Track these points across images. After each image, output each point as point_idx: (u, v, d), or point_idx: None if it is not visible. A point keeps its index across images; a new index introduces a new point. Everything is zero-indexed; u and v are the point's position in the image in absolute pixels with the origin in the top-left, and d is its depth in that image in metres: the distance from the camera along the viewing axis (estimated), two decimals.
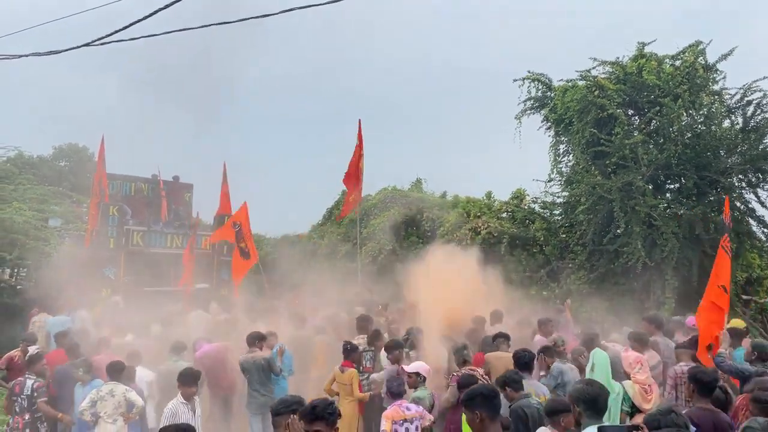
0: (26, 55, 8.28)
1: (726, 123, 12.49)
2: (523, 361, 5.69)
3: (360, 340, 7.79)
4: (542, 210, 15.16)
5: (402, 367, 6.37)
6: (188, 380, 5.67)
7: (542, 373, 6.52)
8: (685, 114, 12.43)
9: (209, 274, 15.38)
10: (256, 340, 7.35)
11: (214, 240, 14.58)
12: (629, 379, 6.32)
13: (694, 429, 4.05)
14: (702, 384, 4.48)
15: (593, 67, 13.76)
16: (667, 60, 13.22)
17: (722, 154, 12.22)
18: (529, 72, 14.88)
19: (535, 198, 15.35)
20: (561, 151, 14.68)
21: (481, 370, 6.34)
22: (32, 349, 8.74)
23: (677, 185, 13.15)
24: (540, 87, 14.93)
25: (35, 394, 6.69)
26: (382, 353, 7.37)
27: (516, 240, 13.80)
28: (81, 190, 21.40)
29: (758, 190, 12.24)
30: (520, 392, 4.98)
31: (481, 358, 6.94)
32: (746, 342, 7.17)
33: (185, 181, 17.46)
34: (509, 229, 13.85)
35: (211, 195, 17.00)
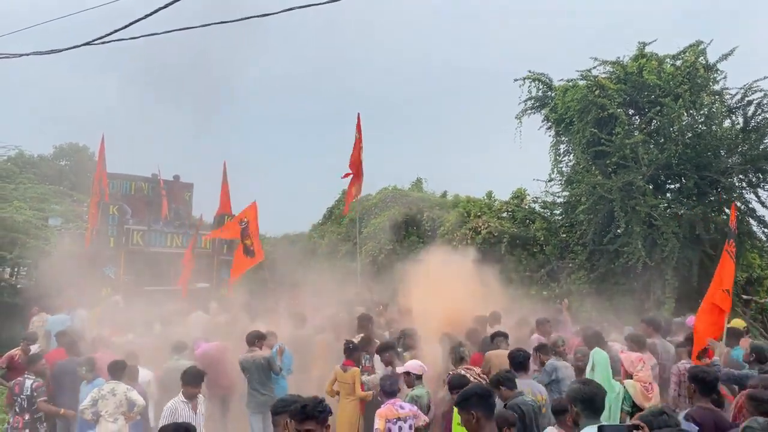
0: (27, 54, 8.28)
1: (726, 123, 12.50)
2: (518, 361, 5.68)
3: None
4: (542, 210, 15.16)
5: (395, 370, 6.35)
6: (192, 379, 5.63)
7: (535, 368, 6.53)
8: (685, 114, 12.43)
9: (209, 274, 15.38)
10: (256, 339, 7.35)
11: (219, 236, 14.56)
12: (629, 378, 6.33)
13: (696, 428, 4.06)
14: (703, 384, 4.49)
15: (594, 67, 13.79)
16: (668, 60, 13.23)
17: (723, 154, 12.22)
18: (529, 72, 14.91)
19: (536, 198, 15.38)
20: (561, 150, 14.71)
21: (477, 369, 6.34)
22: (33, 348, 8.75)
23: (678, 185, 13.15)
24: (540, 87, 14.94)
25: (35, 394, 6.69)
26: (376, 357, 7.37)
27: (516, 240, 13.80)
28: (81, 190, 21.42)
29: (759, 190, 12.24)
30: (514, 390, 4.98)
31: (479, 358, 6.94)
32: (745, 342, 7.18)
33: (185, 181, 17.48)
34: (509, 229, 13.85)
35: (212, 194, 17.02)
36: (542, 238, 13.84)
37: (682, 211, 11.92)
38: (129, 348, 7.51)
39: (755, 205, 12.24)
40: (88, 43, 7.33)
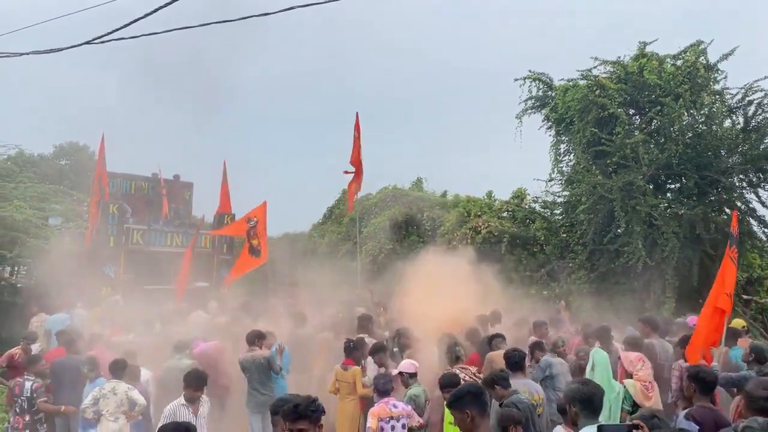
0: (27, 54, 8.28)
1: (727, 123, 12.50)
2: (513, 361, 5.66)
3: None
4: (543, 209, 15.16)
5: (389, 371, 6.33)
6: (194, 382, 5.61)
7: (528, 363, 6.53)
8: (686, 114, 12.43)
9: (209, 273, 15.37)
10: (256, 338, 7.34)
11: (225, 233, 14.58)
12: (629, 378, 6.34)
13: (697, 427, 4.06)
14: (703, 383, 4.49)
15: (594, 67, 13.79)
16: (669, 59, 13.22)
17: (723, 153, 12.22)
18: (530, 71, 14.90)
19: (536, 197, 15.37)
20: (562, 150, 14.71)
21: (473, 369, 6.33)
22: (34, 348, 8.76)
23: (678, 185, 13.15)
24: (541, 86, 14.94)
25: (34, 395, 6.71)
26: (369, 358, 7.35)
27: (516, 239, 13.80)
28: (81, 189, 21.40)
29: (759, 190, 12.24)
30: (508, 389, 4.98)
31: (477, 358, 6.95)
32: (743, 342, 7.18)
33: (185, 180, 17.47)
34: (510, 229, 13.85)
35: (212, 194, 17.01)
36: (542, 238, 13.83)
37: (682, 211, 11.92)
38: (127, 347, 7.50)
39: (755, 205, 12.27)
40: (88, 42, 7.33)
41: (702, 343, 6.17)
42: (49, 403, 6.80)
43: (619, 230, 12.11)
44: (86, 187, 19.24)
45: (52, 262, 12.06)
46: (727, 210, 12.05)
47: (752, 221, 12.38)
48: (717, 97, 12.59)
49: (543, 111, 14.87)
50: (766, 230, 12.39)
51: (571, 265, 13.09)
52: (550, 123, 14.79)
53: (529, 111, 15.08)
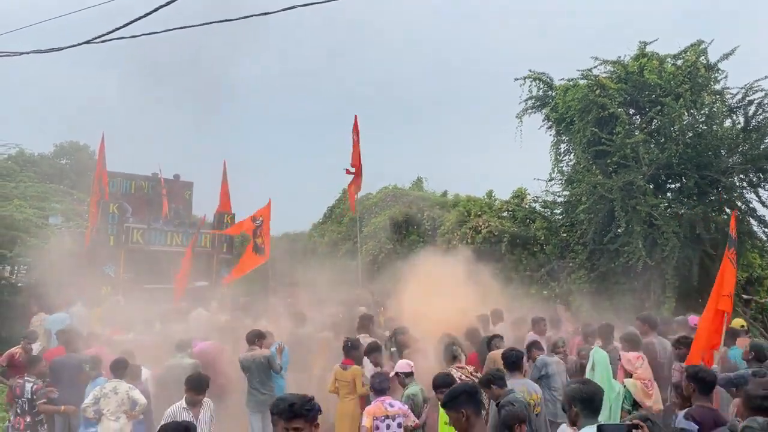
0: (27, 53, 8.28)
1: (727, 122, 12.48)
2: (511, 361, 5.65)
3: (362, 340, 7.77)
4: (543, 209, 15.14)
5: (385, 372, 6.32)
6: (196, 385, 5.60)
7: (526, 362, 6.54)
8: (686, 113, 12.41)
9: (208, 272, 15.38)
10: (256, 338, 7.35)
11: (233, 232, 14.66)
12: (629, 377, 6.34)
13: (696, 427, 4.06)
14: (703, 383, 4.49)
15: (594, 66, 13.76)
16: (669, 59, 13.20)
17: (723, 153, 12.21)
18: (530, 71, 14.89)
19: (536, 197, 15.34)
20: (562, 150, 14.69)
21: (470, 368, 6.33)
22: (35, 347, 8.77)
23: (678, 185, 13.14)
24: (541, 86, 14.92)
25: (35, 397, 6.72)
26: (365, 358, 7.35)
27: (516, 239, 13.80)
28: (81, 188, 21.42)
29: (759, 189, 12.22)
30: (504, 389, 4.98)
31: (475, 358, 6.95)
32: (742, 341, 7.17)
33: (185, 179, 17.49)
34: (510, 228, 13.85)
35: (212, 193, 17.04)
36: (542, 238, 13.83)
37: (682, 211, 11.91)
38: (126, 347, 7.50)
39: (756, 205, 12.24)
40: (88, 42, 7.33)
41: (703, 345, 6.17)
42: (48, 402, 6.81)
43: (619, 230, 12.10)
44: (86, 186, 19.26)
45: (52, 262, 12.07)
46: (728, 210, 12.04)
47: (752, 221, 12.36)
48: (717, 96, 12.57)
49: (543, 111, 14.85)
50: (766, 230, 12.38)
51: (571, 264, 13.08)
52: (550, 123, 14.77)
53: (530, 111, 15.06)
